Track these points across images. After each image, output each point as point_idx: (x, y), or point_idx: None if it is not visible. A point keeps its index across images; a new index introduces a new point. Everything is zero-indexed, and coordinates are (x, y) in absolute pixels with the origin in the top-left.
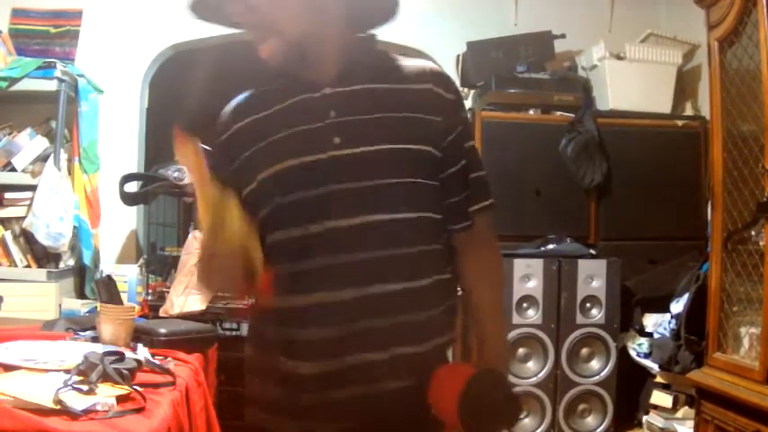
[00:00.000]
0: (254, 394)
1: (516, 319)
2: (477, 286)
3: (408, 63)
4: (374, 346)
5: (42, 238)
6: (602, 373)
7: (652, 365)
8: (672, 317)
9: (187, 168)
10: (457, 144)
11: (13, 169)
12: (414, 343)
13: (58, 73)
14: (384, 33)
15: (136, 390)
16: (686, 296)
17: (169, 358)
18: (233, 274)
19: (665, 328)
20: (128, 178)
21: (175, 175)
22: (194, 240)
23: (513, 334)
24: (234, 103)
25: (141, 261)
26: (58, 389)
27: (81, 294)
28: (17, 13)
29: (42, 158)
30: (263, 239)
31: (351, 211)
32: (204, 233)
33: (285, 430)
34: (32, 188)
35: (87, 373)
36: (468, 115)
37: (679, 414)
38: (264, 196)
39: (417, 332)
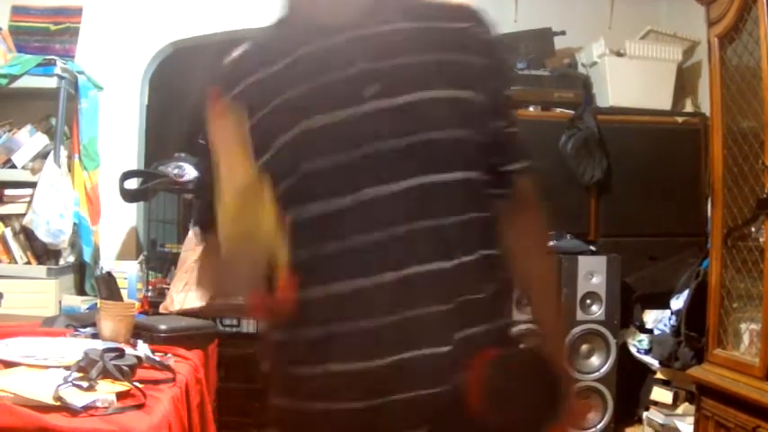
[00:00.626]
0: (285, 409)
1: (516, 315)
2: (522, 257)
3: (437, 2)
4: (431, 336)
5: (42, 234)
6: (603, 370)
7: (652, 362)
8: (672, 313)
9: (217, 142)
10: (501, 93)
11: (13, 166)
12: (472, 327)
13: (57, 70)
14: None
15: (136, 386)
16: (686, 293)
17: (169, 355)
18: (253, 280)
19: (665, 325)
20: (128, 175)
21: (175, 171)
22: (194, 237)
23: (513, 330)
24: (234, 57)
25: (141, 258)
26: (58, 385)
27: (81, 291)
28: (17, 10)
29: (42, 155)
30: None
31: (396, 174)
32: (227, 230)
33: None
34: (32, 185)
35: (87, 370)
36: None
37: (679, 410)
38: (286, 164)
39: (476, 315)
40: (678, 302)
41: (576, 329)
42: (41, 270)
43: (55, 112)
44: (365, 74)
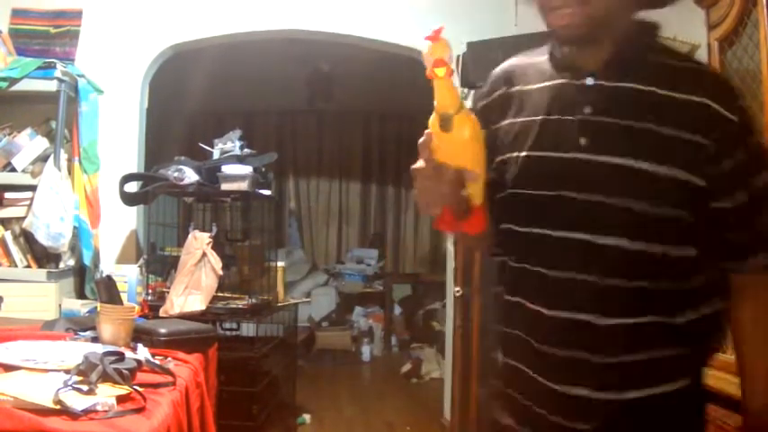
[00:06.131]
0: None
1: None
2: (750, 339)
3: (686, 65)
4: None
5: (42, 238)
6: None
7: None
8: None
9: (438, 59)
10: (734, 175)
11: (13, 169)
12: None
13: (58, 73)
14: (383, 34)
15: (136, 390)
16: None
17: (169, 358)
18: (445, 198)
19: None
20: (128, 178)
21: (175, 174)
22: (194, 240)
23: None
24: (502, 67)
25: (141, 261)
26: (58, 389)
27: (81, 294)
28: (17, 14)
29: (42, 158)
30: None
31: (571, 225)
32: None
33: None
34: (32, 188)
35: (87, 373)
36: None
37: None
38: (503, 176)
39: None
40: None
41: None
42: (41, 273)
43: (55, 116)
44: (585, 124)
